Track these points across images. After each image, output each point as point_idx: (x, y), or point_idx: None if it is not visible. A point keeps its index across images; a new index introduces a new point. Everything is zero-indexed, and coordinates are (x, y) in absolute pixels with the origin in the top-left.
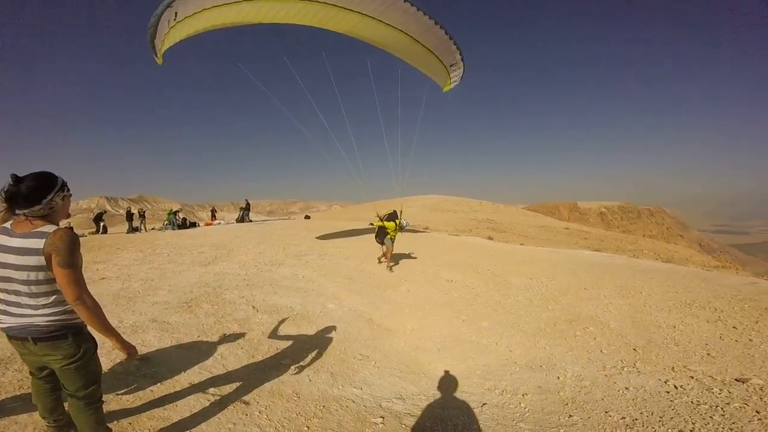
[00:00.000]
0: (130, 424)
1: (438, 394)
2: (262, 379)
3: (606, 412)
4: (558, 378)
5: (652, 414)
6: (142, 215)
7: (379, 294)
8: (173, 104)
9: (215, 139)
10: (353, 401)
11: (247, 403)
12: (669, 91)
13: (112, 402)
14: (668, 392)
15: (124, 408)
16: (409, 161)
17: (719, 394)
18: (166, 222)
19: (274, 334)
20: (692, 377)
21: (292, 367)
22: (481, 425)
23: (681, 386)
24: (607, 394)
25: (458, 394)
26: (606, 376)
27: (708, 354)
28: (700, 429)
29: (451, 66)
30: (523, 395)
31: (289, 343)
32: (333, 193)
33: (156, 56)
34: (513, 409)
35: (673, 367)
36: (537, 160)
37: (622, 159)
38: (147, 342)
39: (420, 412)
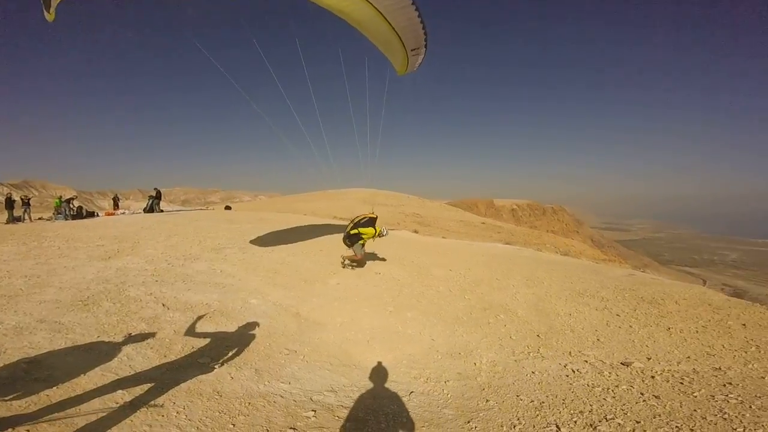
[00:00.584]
0: (29, 430)
1: (369, 385)
2: (177, 379)
3: (517, 396)
4: (475, 364)
5: (555, 397)
6: (25, 203)
7: (308, 288)
8: (63, 71)
9: (120, 117)
10: (282, 396)
11: (161, 406)
12: (570, 97)
13: (1, 408)
14: (567, 376)
15: (17, 414)
16: (377, 149)
17: (609, 377)
18: (55, 211)
19: (189, 333)
20: (586, 361)
21: (212, 366)
22: (410, 413)
23: (578, 370)
24: (518, 379)
25: (388, 384)
26: (515, 361)
27: (598, 339)
28: (596, 410)
29: (412, 51)
30: (445, 382)
31: (207, 341)
32: (258, 183)
33: (47, 11)
34: (437, 396)
35: (570, 352)
36: (460, 155)
37: (531, 159)
38: (35, 344)
39: (352, 404)
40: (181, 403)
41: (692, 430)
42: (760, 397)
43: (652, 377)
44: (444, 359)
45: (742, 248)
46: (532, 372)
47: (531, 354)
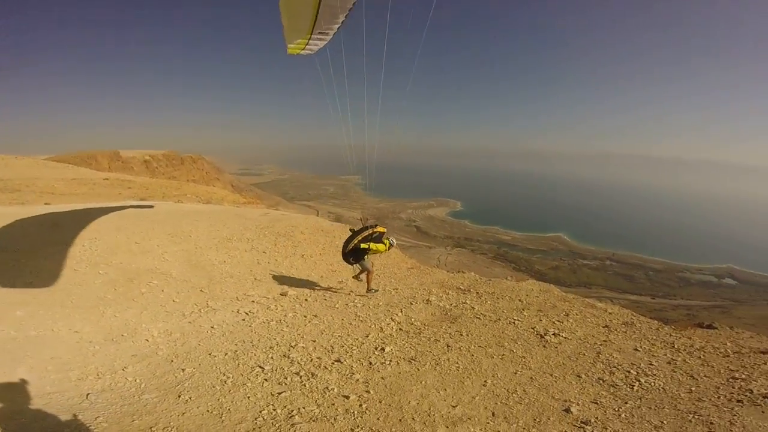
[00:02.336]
0: None
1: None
2: None
3: (210, 354)
4: (147, 340)
5: (243, 342)
6: None
7: None
8: None
9: None
10: None
11: None
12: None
13: None
14: (244, 320)
15: None
16: None
17: (276, 309)
18: None
19: None
20: (254, 301)
21: None
22: (99, 415)
23: (250, 311)
24: (201, 338)
25: (44, 401)
26: (190, 322)
27: (255, 279)
28: (282, 341)
29: (319, 33)
30: (123, 369)
31: None
32: None
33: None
34: (125, 386)
35: (237, 297)
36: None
37: (171, 107)
38: None
39: None
40: None
41: (348, 334)
42: (372, 296)
43: (306, 300)
44: (106, 347)
45: (336, 183)
46: (211, 327)
47: (202, 310)
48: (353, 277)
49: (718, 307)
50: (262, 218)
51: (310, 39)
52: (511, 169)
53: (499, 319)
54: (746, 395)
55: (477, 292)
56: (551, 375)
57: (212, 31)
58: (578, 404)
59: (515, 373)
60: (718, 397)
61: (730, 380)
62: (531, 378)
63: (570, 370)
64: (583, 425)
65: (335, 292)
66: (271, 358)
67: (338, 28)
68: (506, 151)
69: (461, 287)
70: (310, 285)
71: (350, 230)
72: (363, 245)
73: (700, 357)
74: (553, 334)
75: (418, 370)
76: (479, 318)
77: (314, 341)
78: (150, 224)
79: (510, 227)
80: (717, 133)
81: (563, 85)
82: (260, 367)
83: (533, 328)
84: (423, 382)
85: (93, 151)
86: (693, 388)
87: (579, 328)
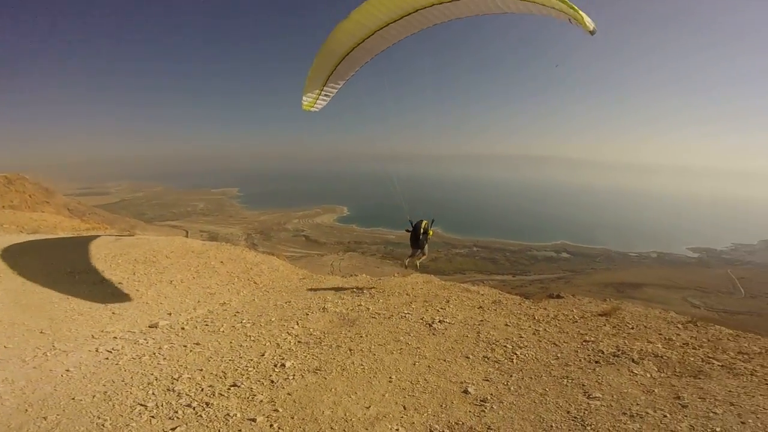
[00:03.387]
0: None
1: None
2: None
3: (74, 398)
4: None
5: (113, 382)
6: None
7: None
8: None
9: None
10: None
11: None
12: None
13: None
14: (107, 358)
15: None
16: None
17: (147, 343)
18: None
19: None
20: (115, 337)
21: None
22: None
23: (114, 348)
24: (56, 383)
25: None
26: (35, 368)
27: (113, 313)
28: (161, 375)
29: (330, 86)
30: None
31: None
32: None
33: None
34: None
35: (92, 335)
36: None
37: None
38: None
39: None
40: None
41: (241, 356)
42: (263, 314)
43: (183, 328)
44: None
45: (206, 197)
46: (66, 370)
47: (48, 353)
48: (407, 263)
49: (562, 278)
50: (112, 245)
51: (321, 92)
52: (379, 171)
53: (392, 316)
54: (600, 355)
55: (370, 293)
56: (444, 360)
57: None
58: (473, 384)
59: (414, 365)
60: (579, 360)
61: (584, 343)
62: (429, 366)
63: (459, 352)
64: (482, 403)
65: (217, 315)
66: (153, 394)
67: (343, 84)
68: (367, 154)
69: (355, 290)
70: (185, 312)
71: (406, 230)
72: (431, 231)
73: (556, 325)
74: (439, 322)
75: (326, 378)
76: (375, 317)
77: (201, 370)
78: None
79: (393, 227)
80: (554, 131)
81: (411, 89)
82: (141, 405)
83: (422, 319)
84: (333, 390)
85: None
86: (558, 355)
87: (459, 312)
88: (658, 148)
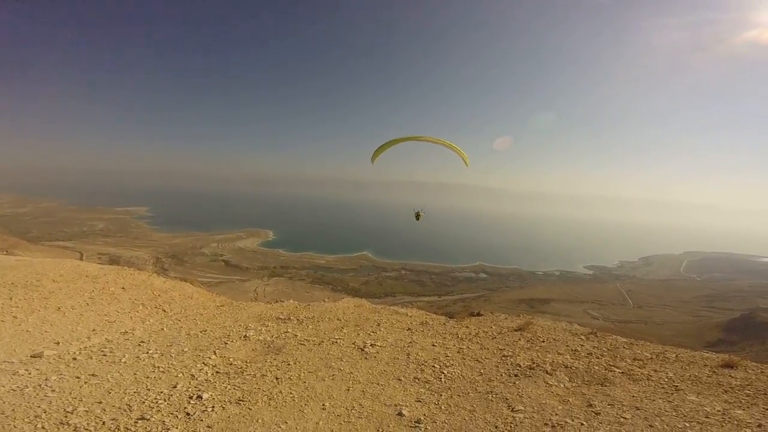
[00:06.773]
0: None
1: None
2: None
3: None
4: None
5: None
6: None
7: None
8: None
9: None
10: None
11: None
12: None
13: None
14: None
15: None
16: None
17: (30, 374)
18: None
19: None
20: None
21: None
22: None
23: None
24: None
25: None
26: None
27: None
28: (50, 408)
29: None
30: None
31: None
32: None
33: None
34: None
35: None
36: None
37: None
38: None
39: None
40: None
41: (148, 389)
42: (173, 344)
43: (75, 359)
44: None
45: (107, 217)
46: None
47: None
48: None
49: (481, 297)
50: None
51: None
52: (302, 196)
53: (323, 341)
54: (518, 368)
55: (298, 319)
56: (378, 384)
57: None
58: (407, 405)
59: (348, 390)
60: (501, 375)
61: (503, 358)
62: (363, 391)
63: (391, 375)
64: (416, 424)
65: (117, 345)
66: (43, 428)
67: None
68: (285, 178)
69: (281, 317)
70: (77, 341)
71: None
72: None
73: (478, 342)
74: (371, 345)
75: (251, 409)
76: (303, 344)
77: (101, 402)
78: None
79: (323, 251)
80: (475, 163)
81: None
82: None
83: (354, 343)
84: (260, 420)
85: None
86: (482, 371)
87: (390, 335)
88: (559, 180)
